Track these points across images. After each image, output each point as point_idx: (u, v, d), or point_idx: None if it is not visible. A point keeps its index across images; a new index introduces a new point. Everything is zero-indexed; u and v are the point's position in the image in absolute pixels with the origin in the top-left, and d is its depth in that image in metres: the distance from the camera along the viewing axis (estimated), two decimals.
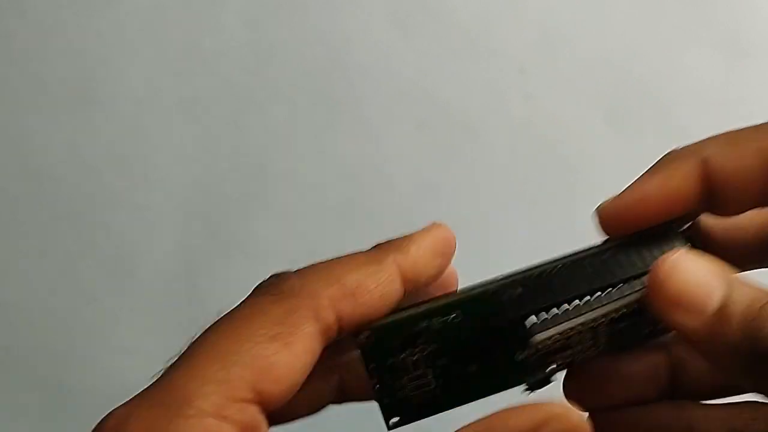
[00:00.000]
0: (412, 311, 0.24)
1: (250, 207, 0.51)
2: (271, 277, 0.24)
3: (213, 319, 0.25)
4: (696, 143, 0.25)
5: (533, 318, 0.23)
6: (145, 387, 0.21)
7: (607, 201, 0.25)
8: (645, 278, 0.23)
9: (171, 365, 0.22)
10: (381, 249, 0.24)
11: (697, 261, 0.22)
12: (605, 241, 0.25)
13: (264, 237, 0.51)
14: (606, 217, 0.25)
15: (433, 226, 0.25)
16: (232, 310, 0.23)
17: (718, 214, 0.26)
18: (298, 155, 0.51)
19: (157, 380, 0.21)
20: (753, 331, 0.21)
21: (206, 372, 0.21)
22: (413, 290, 0.24)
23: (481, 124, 0.51)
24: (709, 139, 0.25)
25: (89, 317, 0.51)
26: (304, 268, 0.23)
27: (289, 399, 0.22)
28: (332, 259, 0.24)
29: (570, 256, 0.25)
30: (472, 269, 0.26)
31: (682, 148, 0.25)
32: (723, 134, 0.25)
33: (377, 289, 0.23)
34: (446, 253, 0.25)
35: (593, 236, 0.26)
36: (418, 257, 0.24)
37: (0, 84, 0.52)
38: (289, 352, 0.22)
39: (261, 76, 0.52)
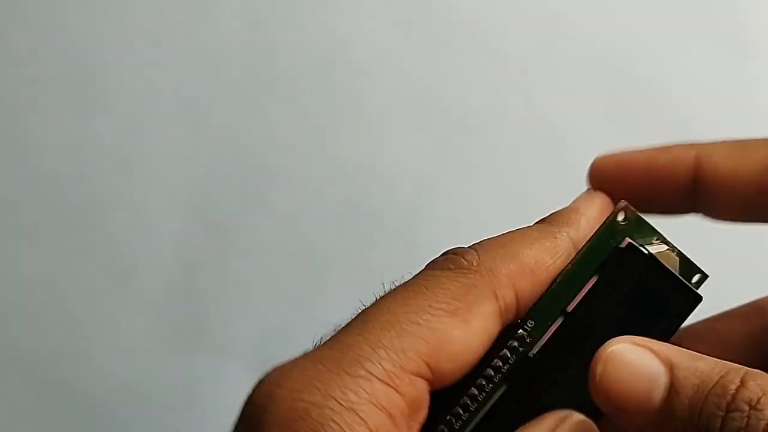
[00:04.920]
0: None
1: (250, 207, 0.51)
2: (446, 252, 0.23)
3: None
4: (701, 141, 0.25)
5: None
6: (312, 349, 0.20)
7: (602, 155, 0.25)
8: None
9: (342, 329, 0.21)
10: (552, 222, 0.24)
11: (636, 350, 0.20)
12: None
13: (264, 237, 0.51)
14: (596, 168, 0.25)
15: (594, 195, 0.24)
16: (407, 281, 0.22)
17: (704, 215, 0.25)
18: (298, 155, 0.51)
19: (326, 342, 0.20)
20: (701, 427, 0.19)
21: (381, 337, 0.20)
22: None
23: (481, 124, 0.51)
24: (715, 141, 0.25)
25: (88, 317, 0.51)
26: (478, 242, 0.22)
27: (456, 380, 0.21)
28: (505, 234, 0.23)
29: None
30: None
31: (688, 142, 0.25)
32: (729, 140, 0.25)
33: (554, 265, 0.22)
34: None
35: None
36: (588, 231, 0.23)
37: (0, 84, 0.52)
38: (467, 330, 0.21)
39: (261, 76, 0.51)
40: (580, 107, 0.51)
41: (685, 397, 0.20)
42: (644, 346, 0.21)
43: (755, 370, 0.20)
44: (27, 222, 0.51)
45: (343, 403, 0.19)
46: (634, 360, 0.20)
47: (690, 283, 0.23)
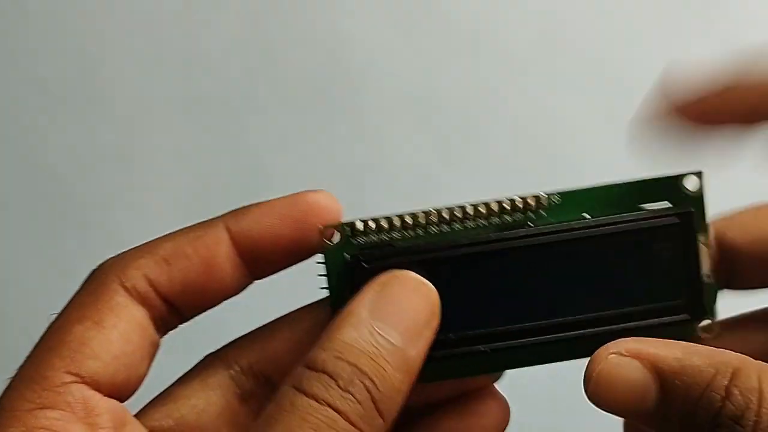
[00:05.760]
0: None
1: None
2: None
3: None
4: (716, 218, 0.25)
5: None
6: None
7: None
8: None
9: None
10: (219, 216, 0.24)
11: (624, 363, 0.21)
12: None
13: None
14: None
15: (296, 193, 0.24)
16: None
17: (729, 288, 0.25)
18: (298, 155, 0.51)
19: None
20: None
21: (23, 374, 0.22)
22: (264, 254, 0.24)
23: (481, 124, 0.51)
24: (728, 215, 0.25)
25: None
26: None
27: (125, 368, 0.23)
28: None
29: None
30: None
31: None
32: (742, 211, 0.25)
33: (195, 253, 0.23)
34: (302, 217, 0.24)
35: None
36: (258, 220, 0.24)
37: (0, 84, 0.52)
38: (101, 327, 0.22)
39: (261, 76, 0.51)
40: (580, 107, 0.51)
41: (677, 404, 0.20)
42: (632, 357, 0.21)
43: (742, 367, 0.20)
44: (26, 222, 0.51)
45: None
46: (623, 374, 0.21)
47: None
